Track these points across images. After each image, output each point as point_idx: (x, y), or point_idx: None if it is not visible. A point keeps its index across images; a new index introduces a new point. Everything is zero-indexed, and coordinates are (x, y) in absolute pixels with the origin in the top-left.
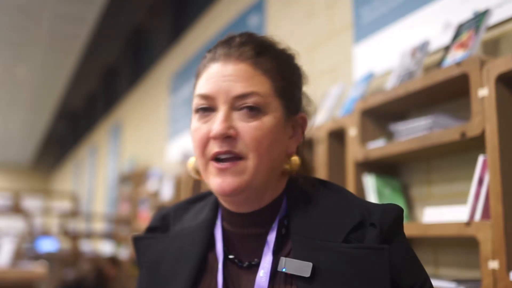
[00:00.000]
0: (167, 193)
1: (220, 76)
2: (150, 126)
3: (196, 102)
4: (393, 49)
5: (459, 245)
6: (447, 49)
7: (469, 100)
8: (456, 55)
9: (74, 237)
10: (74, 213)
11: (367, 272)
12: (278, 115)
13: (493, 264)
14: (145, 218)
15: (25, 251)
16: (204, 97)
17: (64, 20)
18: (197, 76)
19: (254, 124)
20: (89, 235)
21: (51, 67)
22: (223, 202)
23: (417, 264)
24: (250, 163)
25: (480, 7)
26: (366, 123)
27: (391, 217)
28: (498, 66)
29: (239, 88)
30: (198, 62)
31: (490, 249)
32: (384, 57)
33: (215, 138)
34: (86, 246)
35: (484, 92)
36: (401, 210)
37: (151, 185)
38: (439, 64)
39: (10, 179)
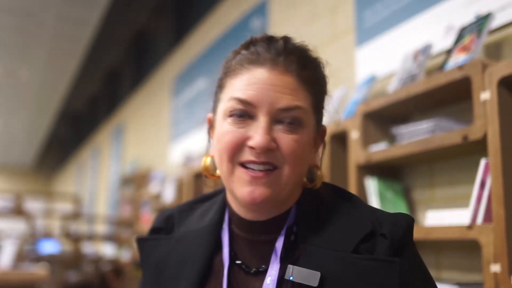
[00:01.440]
0: (169, 196)
1: (266, 85)
2: (153, 129)
3: (233, 105)
4: (395, 52)
5: (461, 248)
6: (449, 52)
7: (471, 104)
8: (458, 58)
9: (76, 239)
10: (76, 215)
11: (376, 284)
12: (311, 130)
13: (495, 268)
14: (147, 220)
15: (27, 253)
16: (244, 102)
17: (67, 23)
18: (229, 73)
19: (293, 136)
20: (91, 237)
21: (54, 69)
22: (236, 207)
23: (426, 277)
24: (283, 174)
25: (482, 10)
26: (368, 126)
27: (402, 228)
28: (500, 69)
29: (285, 101)
30: (200, 65)
31: (492, 252)
32: (386, 60)
33: (256, 149)
34: (88, 248)
35: (486, 95)
36: (412, 220)
37: (153, 188)
38: (441, 67)
39: (12, 181)
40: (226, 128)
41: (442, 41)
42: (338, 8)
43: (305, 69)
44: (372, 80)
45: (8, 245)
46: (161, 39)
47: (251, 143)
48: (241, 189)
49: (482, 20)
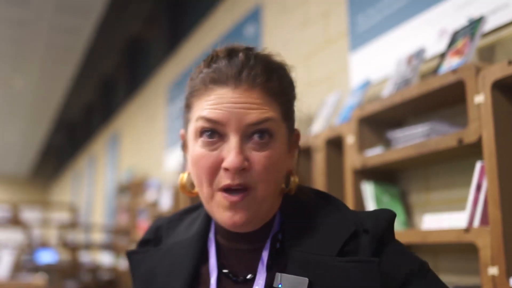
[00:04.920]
0: (165, 203)
1: (231, 103)
2: (148, 136)
3: (201, 125)
4: (389, 57)
5: (458, 251)
6: (442, 56)
7: (465, 107)
8: (451, 62)
9: (73, 248)
10: (73, 224)
11: (359, 286)
12: (284, 139)
13: (493, 270)
14: (144, 228)
15: (24, 263)
16: (213, 121)
17: (61, 32)
18: (194, 92)
19: (265, 153)
20: (88, 246)
21: (49, 78)
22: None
23: (410, 254)
24: (259, 192)
25: (475, 14)
26: (363, 130)
27: (384, 222)
28: (494, 72)
29: (252, 116)
30: None
31: (490, 255)
32: (380, 65)
33: (230, 170)
34: (86, 257)
35: (480, 98)
36: (393, 213)
37: (149, 195)
38: (435, 71)
39: (8, 191)
40: (199, 152)
41: (435, 45)
42: (331, 13)
43: (269, 81)
44: (366, 84)
45: (5, 256)
46: (155, 46)
47: (225, 164)
48: (222, 214)
49: (474, 24)
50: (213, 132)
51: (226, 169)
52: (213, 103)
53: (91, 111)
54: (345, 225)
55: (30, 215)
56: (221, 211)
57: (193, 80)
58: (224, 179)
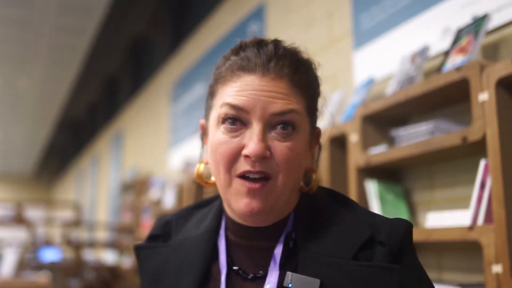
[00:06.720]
0: (169, 201)
1: (257, 91)
2: (152, 135)
3: (225, 111)
4: (393, 55)
5: (462, 249)
6: (446, 54)
7: (469, 105)
8: (456, 60)
9: (77, 246)
10: (76, 223)
11: None
12: (306, 134)
13: (497, 268)
14: (147, 226)
15: (28, 261)
16: (237, 108)
17: (65, 32)
18: (220, 79)
19: (287, 144)
20: (92, 244)
21: (53, 78)
22: (233, 214)
23: (427, 285)
24: (278, 183)
25: (479, 11)
26: (367, 129)
27: (400, 235)
28: (498, 70)
29: (278, 105)
30: (198, 71)
31: (493, 253)
32: (384, 63)
33: (250, 157)
34: (89, 255)
35: (484, 96)
36: (410, 226)
37: (153, 194)
38: (439, 69)
39: (12, 190)
40: (220, 138)
41: (439, 43)
42: (335, 12)
43: (297, 73)
44: (370, 83)
45: (10, 254)
46: (158, 45)
47: (245, 151)
48: (239, 201)
49: (479, 21)
50: (236, 119)
51: (247, 156)
52: (238, 90)
53: (95, 110)
54: (361, 228)
55: (34, 213)
56: (239, 198)
57: (219, 68)
58: (243, 165)
